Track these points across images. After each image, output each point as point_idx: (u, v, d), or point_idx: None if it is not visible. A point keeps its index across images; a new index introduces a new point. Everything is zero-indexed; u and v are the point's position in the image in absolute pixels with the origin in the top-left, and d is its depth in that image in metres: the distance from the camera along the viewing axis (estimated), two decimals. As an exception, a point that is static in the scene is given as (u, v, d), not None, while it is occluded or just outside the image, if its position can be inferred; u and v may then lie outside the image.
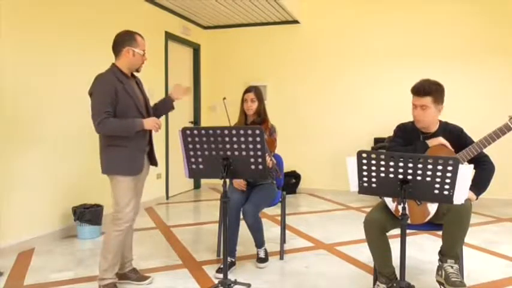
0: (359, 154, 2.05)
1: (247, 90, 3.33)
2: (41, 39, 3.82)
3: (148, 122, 2.64)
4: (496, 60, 5.68)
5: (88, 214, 3.99)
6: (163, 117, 3.82)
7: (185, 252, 3.61)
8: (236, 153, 2.28)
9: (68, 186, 4.12)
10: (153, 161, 2.91)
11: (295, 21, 6.50)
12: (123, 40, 2.66)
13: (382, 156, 2.00)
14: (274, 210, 3.87)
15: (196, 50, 6.84)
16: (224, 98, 3.25)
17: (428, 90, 2.49)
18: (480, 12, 5.76)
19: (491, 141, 2.38)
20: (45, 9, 3.86)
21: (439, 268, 2.51)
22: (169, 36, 5.94)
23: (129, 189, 2.67)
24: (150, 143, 2.85)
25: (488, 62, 5.71)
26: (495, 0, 5.69)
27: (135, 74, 2.82)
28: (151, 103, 2.92)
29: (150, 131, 2.77)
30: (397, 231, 2.29)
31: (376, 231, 2.50)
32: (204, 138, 2.28)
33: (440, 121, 2.64)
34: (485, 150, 2.48)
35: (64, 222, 4.08)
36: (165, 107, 2.96)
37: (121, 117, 2.59)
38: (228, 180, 2.43)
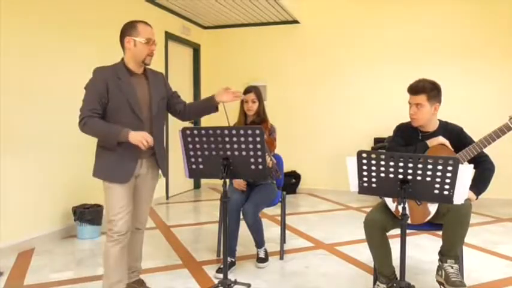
0: (359, 154, 2.05)
1: (248, 91, 3.33)
2: (39, 39, 3.82)
3: (135, 136, 2.26)
4: (497, 59, 5.68)
5: (88, 214, 3.99)
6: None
7: (185, 253, 3.61)
8: (236, 153, 2.28)
9: (68, 186, 4.12)
10: (161, 169, 2.60)
11: (295, 21, 6.50)
12: (123, 31, 2.42)
13: (382, 156, 2.00)
14: (274, 210, 3.87)
15: (196, 50, 6.84)
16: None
17: (423, 88, 2.53)
18: (480, 12, 5.75)
19: (491, 141, 2.39)
20: (42, 9, 3.86)
21: (439, 268, 2.51)
22: (169, 36, 5.94)
23: (120, 197, 2.39)
24: (156, 149, 2.49)
25: (489, 61, 5.71)
26: (493, 1, 5.69)
27: (152, 68, 2.58)
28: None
29: (155, 135, 2.43)
30: (397, 231, 2.28)
31: (376, 231, 2.50)
32: (204, 138, 2.28)
33: (440, 121, 2.64)
34: (485, 150, 2.48)
35: (64, 222, 4.08)
36: (206, 107, 2.65)
37: (112, 118, 2.34)
38: (228, 181, 2.43)
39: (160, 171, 2.62)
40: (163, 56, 5.78)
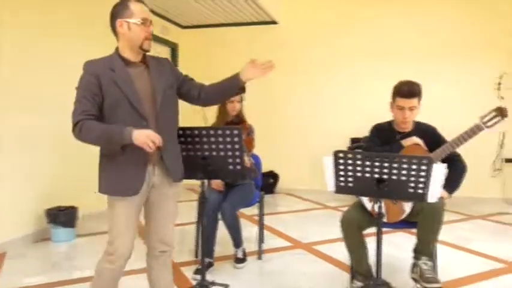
0: (336, 154, 2.07)
1: None
2: (15, 37, 3.72)
3: (138, 136, 1.85)
4: (470, 61, 5.84)
5: (62, 216, 3.90)
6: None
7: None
8: (214, 153, 2.27)
9: (41, 187, 4.02)
10: (171, 174, 2.10)
11: (273, 22, 6.53)
12: (113, 13, 2.02)
13: (359, 156, 2.03)
14: (252, 211, 3.87)
15: (174, 49, 6.79)
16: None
17: (415, 91, 2.55)
18: (456, 14, 5.91)
19: (463, 141, 2.45)
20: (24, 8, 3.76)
21: (414, 265, 2.56)
22: (146, 36, 5.86)
23: (124, 215, 2.01)
24: (164, 148, 2.03)
25: (461, 63, 5.87)
26: (470, 1, 5.86)
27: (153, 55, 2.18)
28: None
29: (163, 132, 1.99)
30: (373, 229, 2.32)
31: (353, 229, 2.54)
32: (182, 139, 2.27)
33: (414, 121, 2.70)
34: (458, 150, 2.55)
35: (37, 225, 3.97)
36: (229, 87, 2.24)
37: (109, 118, 1.96)
38: (205, 181, 2.42)
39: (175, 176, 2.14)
40: (140, 55, 5.69)
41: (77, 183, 4.27)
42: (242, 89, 2.24)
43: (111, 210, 2.03)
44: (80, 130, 1.90)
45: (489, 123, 2.42)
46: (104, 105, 1.97)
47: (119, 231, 2.01)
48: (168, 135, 2.06)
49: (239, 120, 3.35)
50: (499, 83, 5.75)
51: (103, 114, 1.98)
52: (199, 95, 2.23)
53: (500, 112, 2.40)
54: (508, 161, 5.76)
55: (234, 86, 2.22)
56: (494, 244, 3.84)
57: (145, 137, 1.85)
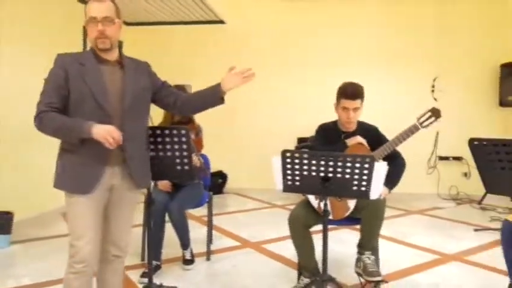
0: (283, 153, 2.10)
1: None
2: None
3: (98, 130, 1.81)
4: (408, 67, 6.18)
5: (-5, 222, 3.64)
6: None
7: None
8: (161, 153, 2.23)
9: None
10: (135, 179, 2.04)
11: (221, 22, 6.51)
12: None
13: (305, 155, 2.08)
14: (201, 211, 3.84)
15: (118, 47, 6.55)
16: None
17: (359, 92, 2.65)
18: (397, 24, 6.23)
19: (402, 140, 2.58)
20: None
21: (358, 260, 2.66)
22: (88, 31, 5.62)
23: (85, 214, 1.93)
24: (128, 150, 1.97)
25: (402, 68, 6.19)
26: (410, 5, 6.19)
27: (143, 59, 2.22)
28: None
29: (128, 132, 1.95)
30: (319, 226, 2.39)
31: (300, 227, 2.59)
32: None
33: (357, 121, 2.80)
34: (398, 148, 2.68)
35: (-33, 232, 3.68)
36: (209, 100, 2.20)
37: (74, 112, 1.92)
38: (152, 182, 2.36)
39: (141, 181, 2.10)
40: (81, 52, 5.45)
41: (12, 186, 4.00)
42: (222, 100, 2.20)
43: (68, 209, 1.97)
44: (40, 121, 1.87)
45: (425, 123, 2.57)
46: (70, 99, 1.93)
47: (78, 232, 1.93)
48: (134, 138, 2.02)
49: (187, 120, 3.31)
50: (433, 86, 6.14)
51: (69, 108, 1.93)
52: (175, 102, 2.21)
53: (435, 113, 2.56)
54: (442, 158, 6.17)
55: (216, 97, 2.18)
56: (429, 237, 4.08)
57: (105, 132, 1.81)
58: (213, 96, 2.18)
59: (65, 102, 1.92)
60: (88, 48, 2.09)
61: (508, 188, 1.84)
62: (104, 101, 1.93)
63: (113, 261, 2.14)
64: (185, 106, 2.24)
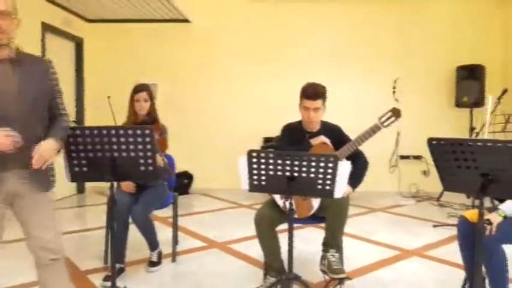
0: (249, 153, 2.11)
1: (139, 90, 3.21)
2: None
3: None
4: (372, 68, 6.34)
5: None
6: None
7: (65, 262, 3.32)
8: (124, 154, 2.18)
9: None
10: (33, 183, 1.96)
11: (186, 20, 6.44)
12: None
13: (271, 155, 2.09)
14: (166, 212, 3.78)
15: (79, 44, 6.36)
16: (109, 97, 3.08)
17: (319, 93, 2.69)
18: (359, 27, 6.37)
19: (364, 139, 2.65)
20: None
21: (323, 258, 2.70)
22: (46, 28, 5.42)
23: None
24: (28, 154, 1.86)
25: (365, 70, 6.35)
26: (373, 7, 6.35)
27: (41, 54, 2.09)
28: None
29: (29, 136, 1.88)
30: (285, 225, 2.41)
31: (266, 226, 2.61)
32: (89, 139, 2.13)
33: (321, 121, 2.85)
34: (360, 147, 2.74)
35: None
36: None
37: None
38: (115, 183, 2.31)
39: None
40: (39, 50, 5.25)
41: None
42: None
43: None
44: None
45: (386, 123, 2.65)
46: None
47: None
48: (35, 140, 1.91)
49: (151, 120, 3.25)
50: (394, 87, 6.34)
51: None
52: (49, 120, 2.07)
53: (395, 113, 2.65)
54: (403, 157, 6.37)
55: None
56: (392, 234, 4.21)
57: None
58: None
59: None
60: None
61: (464, 185, 1.92)
62: None
63: (51, 265, 2.08)
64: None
